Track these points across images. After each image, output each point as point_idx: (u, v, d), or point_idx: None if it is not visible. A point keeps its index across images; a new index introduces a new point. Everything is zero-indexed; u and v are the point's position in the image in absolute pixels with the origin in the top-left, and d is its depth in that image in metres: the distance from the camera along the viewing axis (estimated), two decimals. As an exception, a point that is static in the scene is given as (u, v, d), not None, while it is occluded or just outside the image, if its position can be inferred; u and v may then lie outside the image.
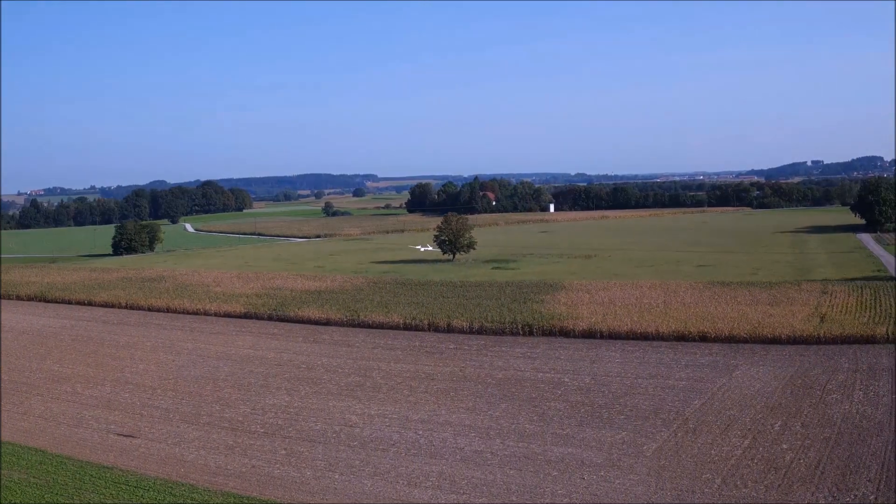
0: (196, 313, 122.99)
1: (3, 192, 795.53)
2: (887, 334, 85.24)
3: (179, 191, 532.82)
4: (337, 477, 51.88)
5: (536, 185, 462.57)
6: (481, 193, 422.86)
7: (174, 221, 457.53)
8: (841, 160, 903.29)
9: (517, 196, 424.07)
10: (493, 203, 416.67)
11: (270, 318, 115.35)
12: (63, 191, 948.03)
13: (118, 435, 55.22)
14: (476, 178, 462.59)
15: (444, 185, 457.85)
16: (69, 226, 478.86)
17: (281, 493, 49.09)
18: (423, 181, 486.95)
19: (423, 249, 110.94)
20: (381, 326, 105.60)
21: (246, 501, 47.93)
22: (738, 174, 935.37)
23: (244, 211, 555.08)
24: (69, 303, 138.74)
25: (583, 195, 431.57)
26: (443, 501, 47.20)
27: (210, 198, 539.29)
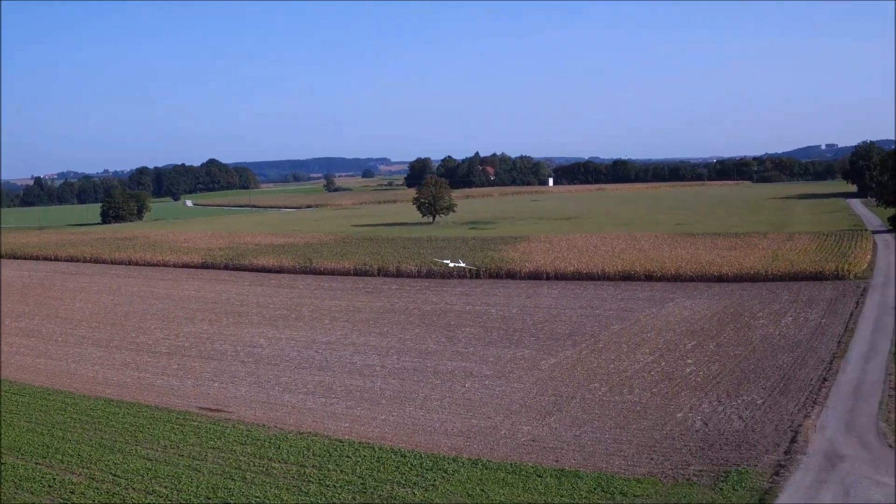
0: (156, 265, 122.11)
1: (16, 177, 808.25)
2: (837, 270, 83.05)
3: (183, 169, 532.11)
4: (216, 385, 50.69)
5: (536, 160, 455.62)
6: (480, 168, 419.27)
7: (176, 198, 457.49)
8: (855, 143, 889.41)
9: (516, 170, 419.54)
10: (492, 178, 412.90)
11: (226, 268, 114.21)
12: (76, 174, 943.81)
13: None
14: (476, 153, 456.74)
15: (443, 160, 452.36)
16: (73, 204, 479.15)
17: (153, 398, 47.87)
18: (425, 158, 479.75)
19: (452, 265, 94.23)
20: (332, 273, 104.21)
21: (115, 404, 46.74)
22: (752, 158, 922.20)
23: (249, 189, 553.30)
24: (36, 258, 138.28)
25: (582, 170, 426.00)
26: (309, 403, 45.85)
27: (214, 176, 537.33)
